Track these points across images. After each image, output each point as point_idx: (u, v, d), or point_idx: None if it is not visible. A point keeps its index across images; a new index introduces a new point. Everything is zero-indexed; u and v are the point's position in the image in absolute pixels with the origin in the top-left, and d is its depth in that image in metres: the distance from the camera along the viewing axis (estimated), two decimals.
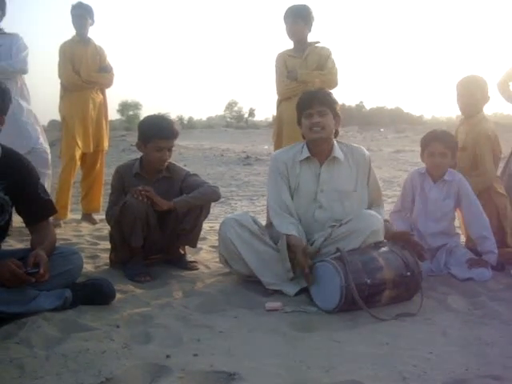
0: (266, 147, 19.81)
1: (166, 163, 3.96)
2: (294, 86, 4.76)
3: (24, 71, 5.26)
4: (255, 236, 3.55)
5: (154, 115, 4.05)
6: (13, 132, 4.32)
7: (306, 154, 3.65)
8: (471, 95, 4.41)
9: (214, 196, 3.94)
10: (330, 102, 3.62)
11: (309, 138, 3.63)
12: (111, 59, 6.00)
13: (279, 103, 4.98)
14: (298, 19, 4.88)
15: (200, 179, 4.01)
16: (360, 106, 50.27)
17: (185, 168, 4.13)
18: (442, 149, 3.92)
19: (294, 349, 2.56)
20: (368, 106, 49.61)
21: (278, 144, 4.86)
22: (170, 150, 3.90)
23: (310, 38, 5.03)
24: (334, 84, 4.84)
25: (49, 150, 5.32)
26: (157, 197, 3.69)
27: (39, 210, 3.13)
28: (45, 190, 3.18)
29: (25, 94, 5.30)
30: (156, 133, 3.83)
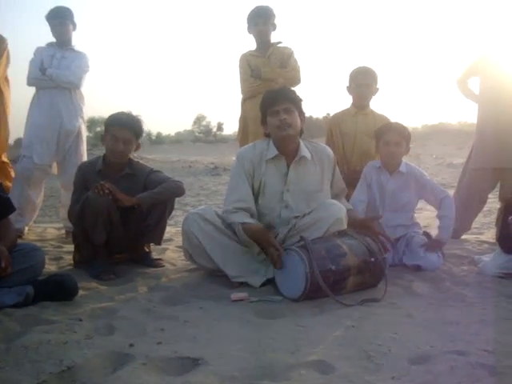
0: (235, 158, 19.81)
1: (124, 157, 3.93)
2: (259, 84, 4.78)
3: (76, 86, 5.31)
4: (219, 229, 3.53)
5: (120, 111, 4.02)
6: None
7: (273, 152, 3.60)
8: (368, 85, 4.59)
9: (178, 191, 3.91)
10: (294, 99, 3.60)
11: (277, 137, 3.57)
12: None
13: (243, 102, 4.99)
14: (263, 20, 4.92)
15: (164, 175, 3.99)
16: (327, 118, 50.60)
17: (147, 163, 4.10)
18: (397, 138, 4.04)
19: (260, 334, 2.54)
20: None
21: (244, 142, 4.85)
22: (125, 143, 3.86)
23: (273, 38, 5.08)
24: (297, 81, 4.88)
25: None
26: (120, 193, 3.65)
27: None
28: (2, 189, 3.13)
29: (76, 107, 5.35)
30: (112, 122, 3.87)
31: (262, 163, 3.62)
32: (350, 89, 4.67)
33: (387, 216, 4.08)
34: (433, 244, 3.89)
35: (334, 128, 4.71)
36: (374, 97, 4.68)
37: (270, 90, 3.88)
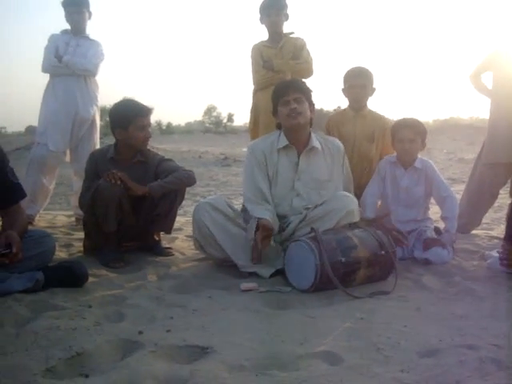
0: (245, 149, 19.78)
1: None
2: (271, 76, 4.75)
3: (93, 73, 5.35)
4: (229, 219, 3.55)
5: (123, 100, 4.00)
6: None
7: (284, 142, 3.66)
8: (363, 86, 4.46)
9: (189, 180, 3.90)
10: (304, 90, 3.67)
11: (287, 125, 3.63)
12: None
13: (255, 93, 4.97)
14: (275, 11, 4.88)
15: (175, 164, 3.99)
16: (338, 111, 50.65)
17: (158, 153, 4.11)
18: (410, 135, 3.98)
19: (268, 324, 2.54)
20: None
21: (255, 132, 4.86)
22: (149, 126, 3.95)
23: (285, 28, 5.05)
24: (310, 73, 4.85)
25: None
26: (131, 182, 3.65)
27: (9, 193, 3.09)
28: (14, 174, 3.14)
29: (91, 95, 5.39)
30: (135, 113, 3.83)
31: (273, 153, 3.68)
32: (344, 91, 4.56)
33: (400, 211, 4.08)
34: (430, 242, 3.84)
35: (332, 130, 4.57)
36: (370, 97, 4.57)
37: (281, 81, 3.94)
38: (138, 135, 3.84)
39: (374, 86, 4.54)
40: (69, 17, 5.29)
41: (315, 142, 3.69)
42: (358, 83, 4.45)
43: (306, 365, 2.09)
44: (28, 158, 5.31)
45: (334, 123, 4.61)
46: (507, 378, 1.96)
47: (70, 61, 5.13)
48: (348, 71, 4.53)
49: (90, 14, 5.37)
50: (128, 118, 3.81)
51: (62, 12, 5.30)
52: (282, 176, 3.67)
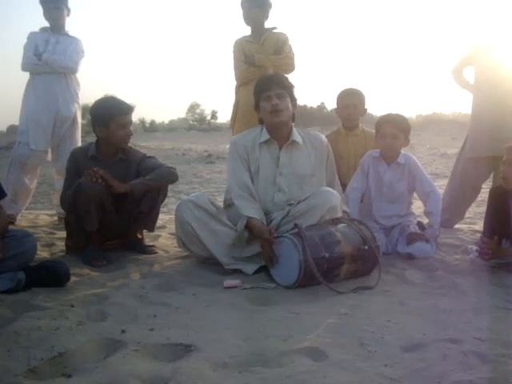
0: (228, 146, 19.78)
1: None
2: (252, 71, 4.74)
3: (73, 70, 5.30)
4: (212, 217, 3.52)
5: (104, 98, 3.95)
6: None
7: (265, 136, 3.66)
8: (355, 106, 4.56)
9: (171, 177, 3.88)
10: (287, 85, 3.67)
11: (269, 122, 3.63)
12: None
13: (237, 89, 4.97)
14: (254, 5, 4.87)
15: (157, 161, 3.96)
16: (321, 107, 50.74)
17: (141, 151, 4.08)
18: (393, 130, 3.99)
19: (252, 321, 2.54)
20: (329, 107, 50.00)
21: (236, 128, 4.84)
22: (131, 124, 3.90)
23: (268, 24, 5.03)
24: (291, 68, 4.84)
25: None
26: (113, 180, 3.62)
27: None
28: None
29: (72, 92, 5.33)
30: (116, 110, 3.79)
31: (255, 148, 3.67)
32: (337, 110, 4.67)
33: (383, 206, 4.10)
34: (414, 236, 3.85)
35: None
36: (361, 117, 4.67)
37: (263, 75, 3.92)
38: (120, 133, 3.81)
39: (365, 106, 4.64)
40: (47, 14, 5.23)
41: (296, 136, 3.69)
42: (349, 103, 4.55)
43: (289, 361, 2.08)
44: (9, 158, 5.26)
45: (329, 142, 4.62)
46: (490, 371, 1.97)
47: (49, 58, 5.09)
48: (340, 92, 4.64)
49: (68, 10, 5.33)
50: (109, 115, 3.77)
51: (40, 10, 5.25)
52: (263, 171, 3.66)
